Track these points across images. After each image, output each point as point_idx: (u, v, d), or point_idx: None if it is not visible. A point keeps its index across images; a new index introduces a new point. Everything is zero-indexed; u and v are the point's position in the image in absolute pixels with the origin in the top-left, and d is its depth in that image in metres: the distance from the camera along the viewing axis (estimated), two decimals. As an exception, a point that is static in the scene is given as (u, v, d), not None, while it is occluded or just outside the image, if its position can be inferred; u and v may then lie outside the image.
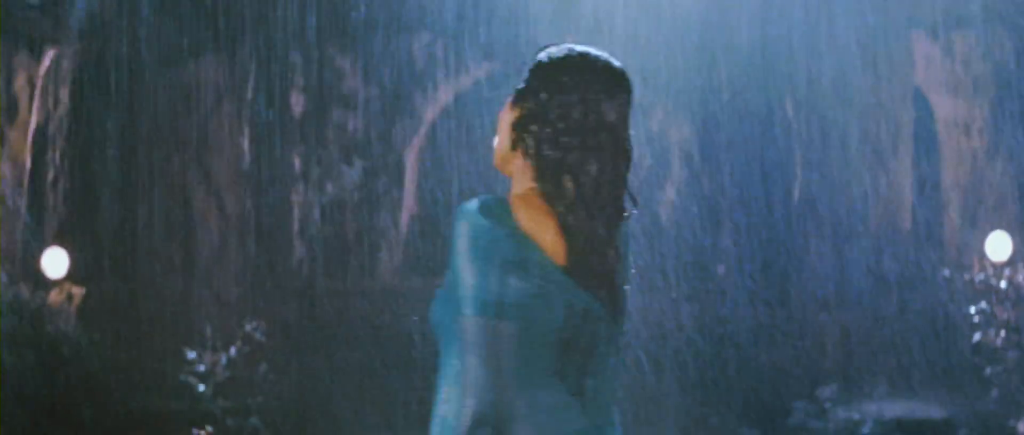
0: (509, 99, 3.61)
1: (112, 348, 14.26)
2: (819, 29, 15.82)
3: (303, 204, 15.92)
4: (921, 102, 16.25)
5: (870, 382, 14.95)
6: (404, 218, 16.64)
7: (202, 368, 13.78)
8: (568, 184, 3.49)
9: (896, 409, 14.37)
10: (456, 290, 3.41)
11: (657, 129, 17.02)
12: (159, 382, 14.01)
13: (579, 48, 3.62)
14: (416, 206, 16.70)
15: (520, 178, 3.56)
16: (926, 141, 16.16)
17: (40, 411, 13.15)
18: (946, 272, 14.85)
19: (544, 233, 3.46)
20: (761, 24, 15.81)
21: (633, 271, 3.68)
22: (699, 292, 15.89)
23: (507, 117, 3.61)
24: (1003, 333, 13.88)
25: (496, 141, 3.65)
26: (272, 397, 13.98)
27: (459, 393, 3.38)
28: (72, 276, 14.43)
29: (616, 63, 3.61)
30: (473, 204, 3.45)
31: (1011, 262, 14.24)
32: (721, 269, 16.21)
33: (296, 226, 15.85)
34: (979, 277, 14.23)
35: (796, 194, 16.19)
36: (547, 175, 3.51)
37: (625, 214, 3.56)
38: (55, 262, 14.28)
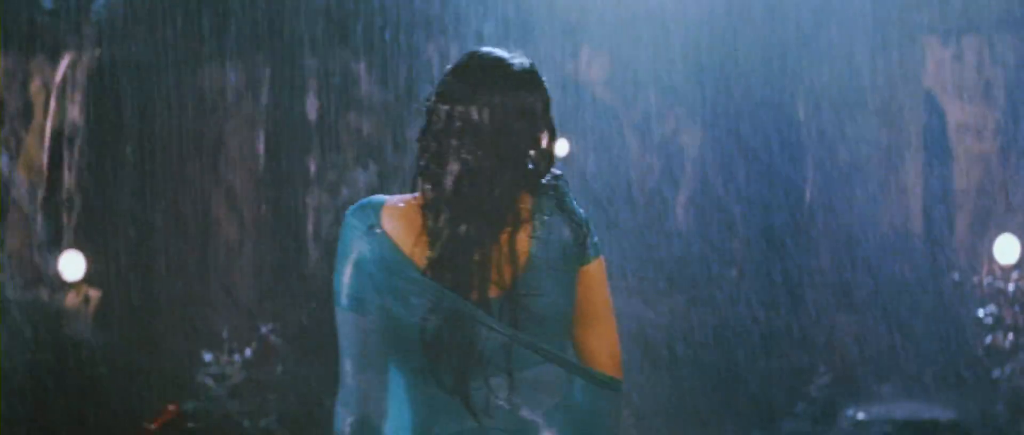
0: None
1: (129, 350, 14.31)
2: (830, 34, 15.83)
3: (318, 207, 15.98)
4: (933, 106, 16.26)
5: (878, 384, 14.96)
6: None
7: (218, 370, 13.85)
8: (428, 185, 3.53)
9: (904, 411, 14.38)
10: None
11: (668, 134, 17.06)
12: (176, 384, 14.07)
13: (480, 50, 3.62)
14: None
15: None
16: (938, 145, 16.17)
17: (57, 412, 13.21)
18: (955, 275, 14.89)
19: (407, 234, 3.50)
20: (771, 29, 15.82)
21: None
22: (709, 296, 15.92)
23: None
24: (1011, 336, 13.92)
25: None
26: (288, 398, 14.02)
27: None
28: (89, 279, 14.50)
29: (506, 63, 3.55)
30: (354, 205, 3.56)
31: (1019, 265, 14.28)
32: (732, 273, 16.25)
33: (311, 229, 15.91)
34: (988, 280, 14.27)
35: (807, 197, 16.22)
36: (419, 177, 3.57)
37: (509, 216, 3.50)
38: (72, 265, 14.33)
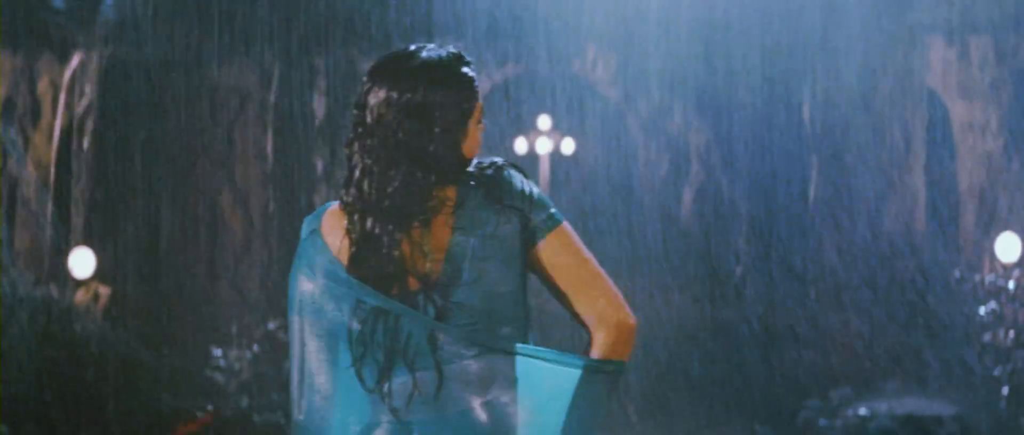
0: None
1: (138, 346, 14.38)
2: (836, 33, 15.89)
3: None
4: (936, 105, 16.32)
5: (881, 380, 15.01)
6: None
7: (227, 365, 13.94)
8: (343, 188, 3.57)
9: (907, 406, 14.43)
10: None
11: (675, 133, 17.12)
12: (185, 379, 14.14)
13: (396, 50, 3.62)
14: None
15: None
16: (941, 143, 16.22)
17: (69, 407, 13.27)
18: (957, 273, 14.96)
19: (336, 237, 3.56)
20: (777, 29, 15.87)
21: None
22: (714, 293, 15.98)
23: None
24: (1012, 333, 13.99)
25: None
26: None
27: None
28: (99, 276, 14.58)
29: (401, 60, 3.56)
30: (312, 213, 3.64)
31: (1020, 263, 14.35)
32: (738, 270, 16.31)
33: (318, 227, 15.96)
34: (989, 278, 14.35)
35: (811, 196, 16.29)
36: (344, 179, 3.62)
37: (422, 210, 3.51)
38: (82, 262, 14.41)
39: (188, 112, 15.49)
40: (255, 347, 14.13)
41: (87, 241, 14.77)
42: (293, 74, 15.75)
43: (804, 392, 15.01)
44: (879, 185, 16.01)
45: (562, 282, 3.51)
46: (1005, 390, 14.04)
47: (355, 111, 3.55)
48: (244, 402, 13.80)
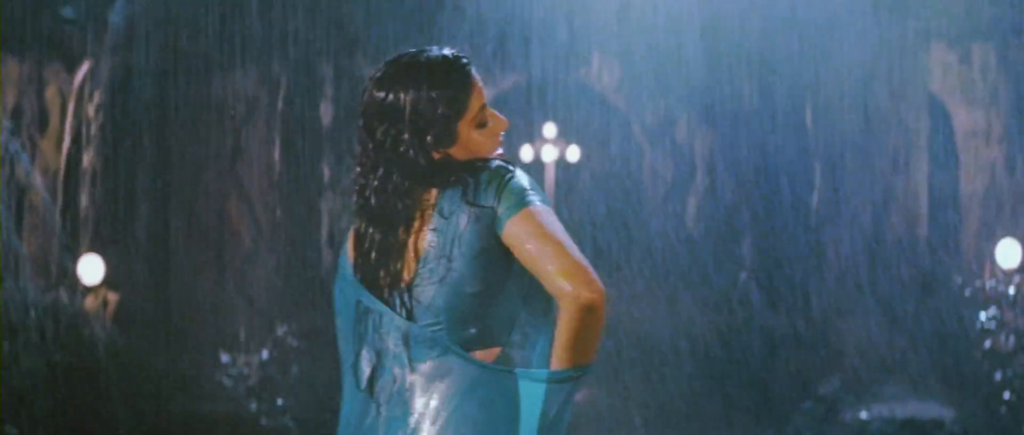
0: None
1: (147, 352, 14.43)
2: (838, 40, 15.94)
3: (332, 211, 16.10)
4: (938, 111, 16.36)
5: (882, 385, 15.05)
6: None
7: (235, 370, 13.99)
8: (353, 195, 3.70)
9: (907, 411, 14.47)
10: None
11: (679, 140, 17.19)
12: (194, 384, 14.20)
13: (399, 53, 3.69)
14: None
15: None
16: (942, 151, 16.26)
17: (78, 412, 13.32)
18: (958, 279, 14.99)
19: (350, 242, 3.71)
20: (781, 37, 15.92)
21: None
22: (717, 297, 16.03)
23: None
24: (1012, 339, 14.03)
25: None
26: (304, 398, 14.13)
27: None
28: (108, 282, 14.63)
29: (389, 64, 3.62)
30: None
31: (1021, 269, 14.39)
32: (742, 276, 16.36)
33: (325, 233, 16.04)
34: (990, 284, 14.39)
35: (814, 202, 16.34)
36: None
37: (410, 214, 3.58)
38: (91, 268, 14.44)
39: (196, 119, 15.55)
40: (263, 352, 14.18)
41: (96, 248, 14.82)
42: (300, 81, 15.81)
43: (805, 395, 15.05)
44: (881, 191, 16.06)
45: (529, 265, 3.48)
46: (1006, 395, 14.08)
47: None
48: (253, 406, 13.85)
